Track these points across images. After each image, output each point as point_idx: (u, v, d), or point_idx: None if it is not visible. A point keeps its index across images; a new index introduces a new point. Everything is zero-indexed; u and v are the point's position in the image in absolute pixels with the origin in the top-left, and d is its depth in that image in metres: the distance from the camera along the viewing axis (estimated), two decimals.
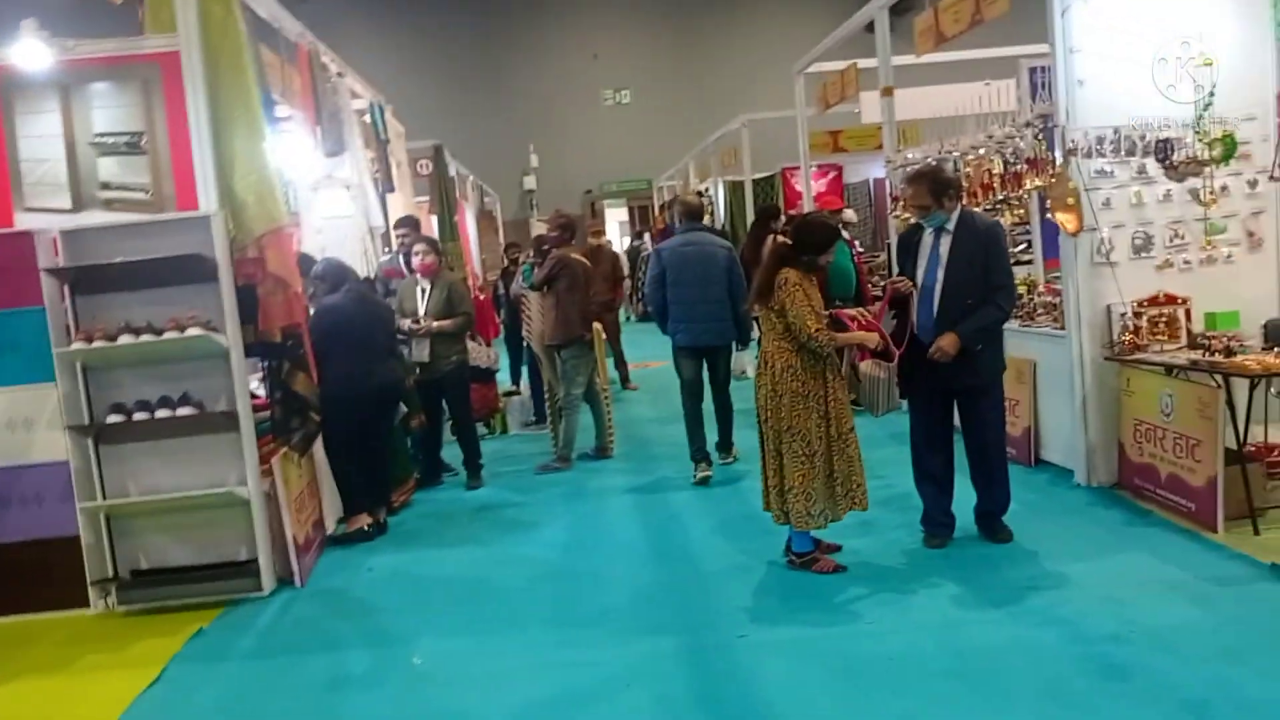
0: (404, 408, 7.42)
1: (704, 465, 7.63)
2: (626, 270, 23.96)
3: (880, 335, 5.53)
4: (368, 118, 10.58)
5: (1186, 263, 6.44)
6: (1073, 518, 6.06)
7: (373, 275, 8.33)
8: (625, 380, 12.65)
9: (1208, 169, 5.74)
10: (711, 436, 7.85)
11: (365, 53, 25.09)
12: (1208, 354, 5.59)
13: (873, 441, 8.22)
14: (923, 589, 5.09)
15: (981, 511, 5.78)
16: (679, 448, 8.81)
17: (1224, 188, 6.31)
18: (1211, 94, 5.95)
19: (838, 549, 5.62)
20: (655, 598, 5.31)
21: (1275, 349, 5.75)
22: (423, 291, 7.91)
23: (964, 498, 5.80)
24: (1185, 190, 6.34)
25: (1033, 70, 9.31)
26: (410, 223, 8.68)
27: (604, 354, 9.23)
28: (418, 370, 7.75)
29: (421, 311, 7.81)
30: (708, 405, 7.81)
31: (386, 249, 8.90)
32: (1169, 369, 5.95)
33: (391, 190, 10.59)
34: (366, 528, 6.76)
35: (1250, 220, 6.43)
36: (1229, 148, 5.59)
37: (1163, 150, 5.82)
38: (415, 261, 7.94)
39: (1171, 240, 6.43)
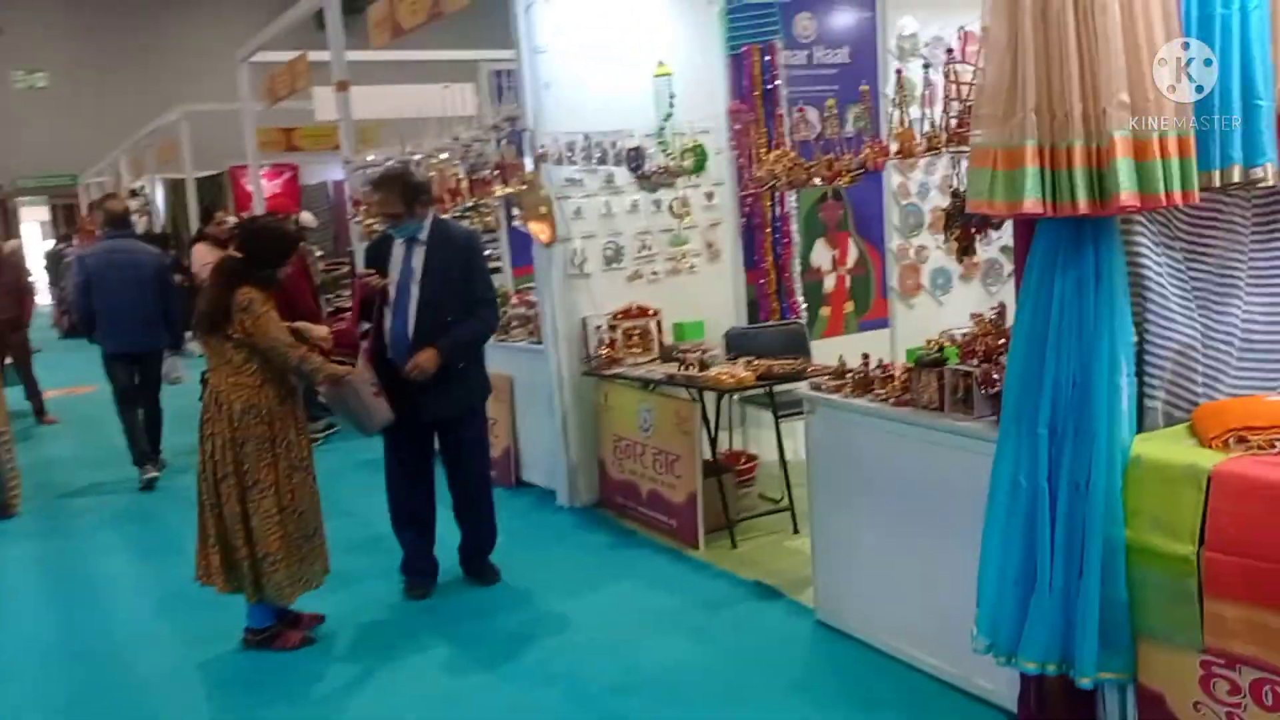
0: None
1: (150, 467, 7.65)
2: (48, 279, 21.00)
3: (354, 343, 4.80)
4: None
5: (655, 274, 6.41)
6: (560, 545, 5.73)
7: None
8: (40, 413, 10.57)
9: (680, 179, 5.68)
10: None
11: None
12: (684, 367, 5.51)
13: (339, 471, 7.43)
14: (409, 654, 4.42)
15: (467, 552, 5.24)
16: (109, 496, 7.40)
17: (684, 200, 6.36)
18: (671, 104, 5.92)
19: (321, 620, 4.76)
20: (70, 716, 4.11)
21: (739, 358, 5.84)
22: None
23: (447, 534, 5.22)
24: (651, 201, 6.31)
25: (496, 74, 9.06)
26: None
27: (2, 384, 7.50)
28: None
29: None
30: None
31: None
32: (646, 383, 5.84)
33: None
34: None
35: (709, 231, 6.55)
36: (700, 159, 5.58)
37: (634, 159, 5.67)
38: None
39: (640, 251, 6.36)
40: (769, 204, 6.58)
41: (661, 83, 5.92)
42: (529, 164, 6.02)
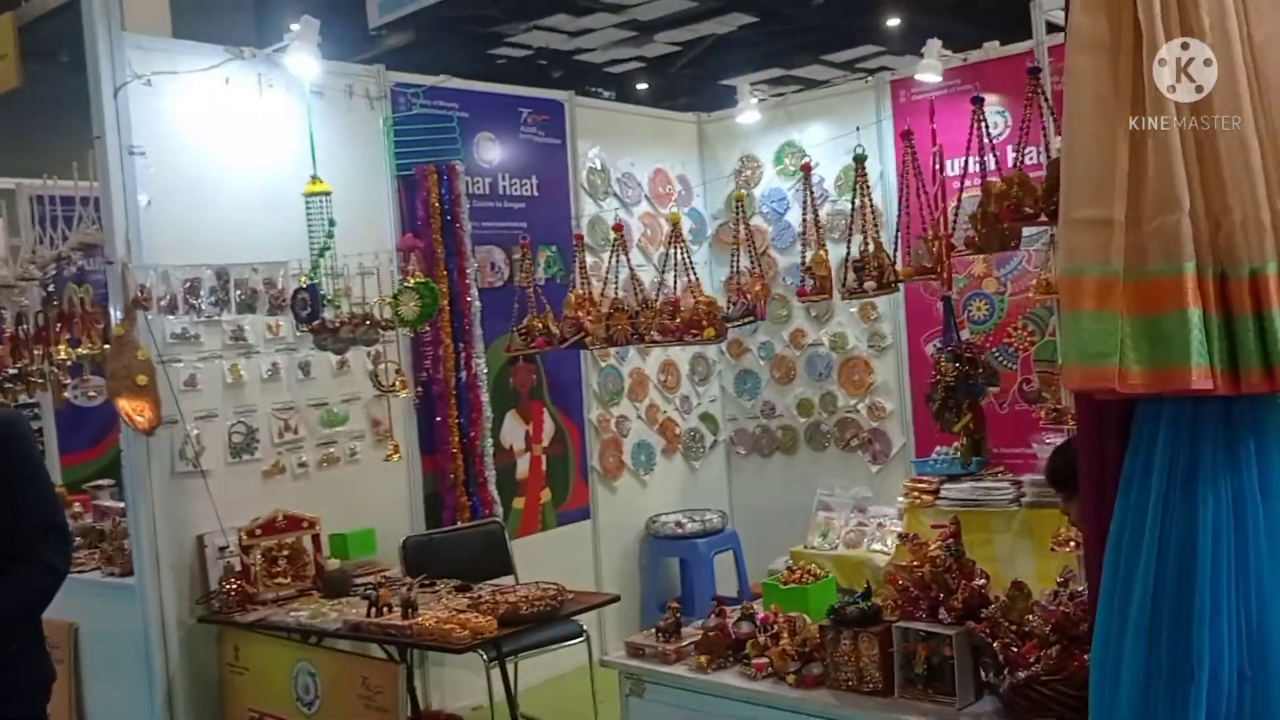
0: None
1: None
2: None
3: None
4: None
5: (303, 466, 4.61)
6: None
7: None
8: None
9: (393, 332, 3.97)
10: None
11: None
12: (379, 610, 3.73)
13: None
14: None
15: None
16: None
17: (378, 355, 4.62)
18: (330, 233, 4.27)
19: None
20: None
21: (433, 581, 4.17)
22: None
23: None
24: (297, 365, 4.57)
25: (40, 199, 6.91)
26: None
27: None
28: None
29: None
30: None
31: None
32: (308, 634, 3.96)
33: None
34: None
35: (374, 405, 4.86)
36: (428, 302, 3.88)
37: (305, 304, 3.90)
38: None
39: (282, 435, 4.55)
40: (452, 367, 5.06)
41: (316, 204, 4.28)
42: (117, 313, 4.07)
